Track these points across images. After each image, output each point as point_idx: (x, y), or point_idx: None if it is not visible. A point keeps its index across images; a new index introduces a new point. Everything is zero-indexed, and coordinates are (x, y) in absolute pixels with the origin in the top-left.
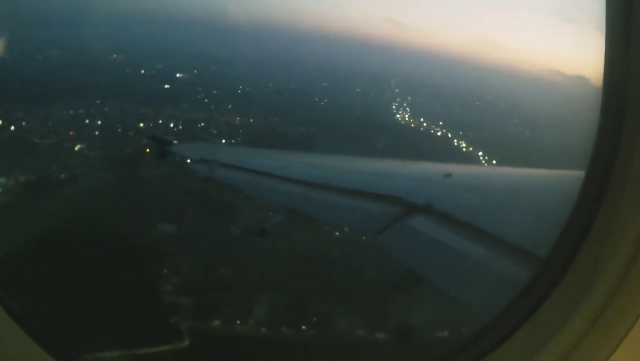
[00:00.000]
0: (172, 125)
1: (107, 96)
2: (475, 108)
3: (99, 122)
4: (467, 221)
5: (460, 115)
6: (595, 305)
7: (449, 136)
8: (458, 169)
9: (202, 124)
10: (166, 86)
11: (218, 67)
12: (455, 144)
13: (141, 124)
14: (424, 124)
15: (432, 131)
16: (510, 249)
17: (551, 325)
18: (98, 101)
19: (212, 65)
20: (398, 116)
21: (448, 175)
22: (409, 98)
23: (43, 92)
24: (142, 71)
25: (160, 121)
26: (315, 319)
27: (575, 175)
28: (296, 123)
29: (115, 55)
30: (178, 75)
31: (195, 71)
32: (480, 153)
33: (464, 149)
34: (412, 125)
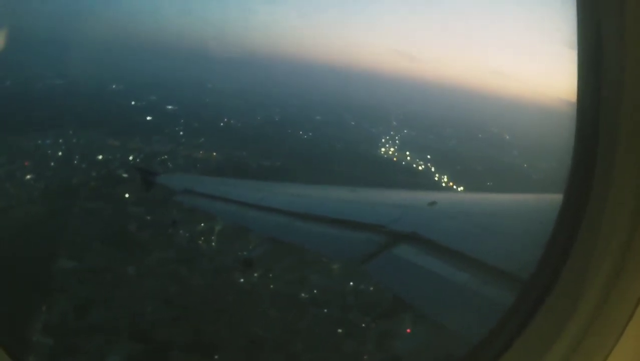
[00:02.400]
0: (130, 158)
1: (84, 127)
2: (476, 140)
3: (60, 153)
4: (453, 247)
5: (455, 148)
6: (579, 326)
7: (432, 170)
8: (442, 197)
9: (164, 157)
10: (148, 118)
11: (213, 99)
12: (436, 178)
13: (100, 156)
14: (408, 158)
15: (414, 165)
16: (496, 274)
17: (536, 347)
18: (71, 132)
19: (208, 97)
20: (383, 149)
21: (432, 203)
22: (405, 131)
23: (25, 120)
24: (133, 102)
25: (118, 155)
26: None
27: (559, 198)
28: (263, 157)
29: (114, 86)
30: (168, 107)
31: (186, 103)
32: (461, 188)
33: (444, 184)
34: (395, 159)
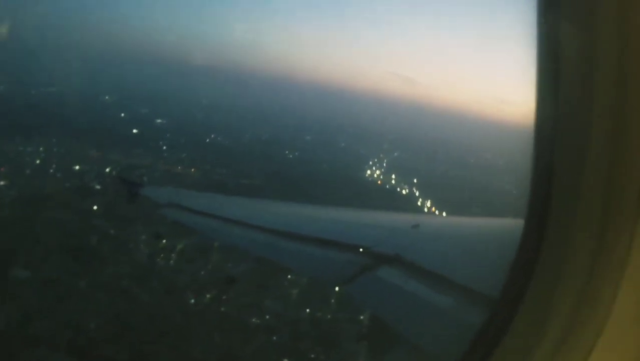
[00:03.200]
0: (107, 170)
1: (69, 136)
2: (467, 165)
3: (38, 161)
4: (435, 270)
5: (445, 173)
6: (549, 343)
7: (416, 195)
8: (425, 219)
9: (142, 170)
10: (134, 131)
11: (206, 114)
12: (419, 203)
13: (77, 167)
14: (392, 182)
15: (398, 189)
16: (478, 298)
17: None
18: (54, 140)
19: (201, 112)
20: (369, 171)
21: (416, 226)
22: (395, 154)
23: (12, 126)
24: (122, 114)
25: (95, 167)
26: None
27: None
28: (243, 175)
29: (107, 97)
30: (158, 120)
31: (176, 117)
32: (444, 213)
33: (426, 208)
34: (379, 182)
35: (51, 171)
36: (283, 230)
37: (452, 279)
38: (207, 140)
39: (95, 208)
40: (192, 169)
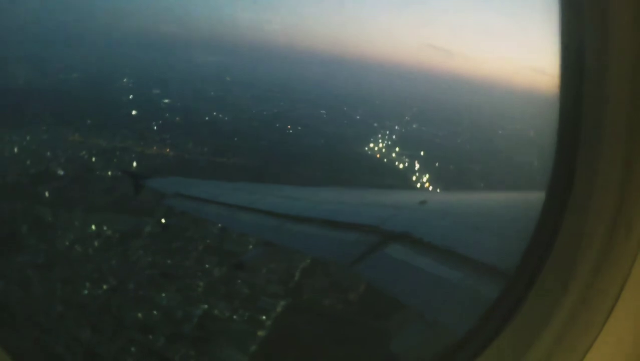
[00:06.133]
0: (81, 153)
1: (64, 121)
2: (494, 137)
3: (16, 149)
4: (444, 246)
5: (461, 145)
6: (562, 319)
7: (415, 168)
8: (433, 196)
9: (117, 153)
10: (133, 112)
11: (223, 92)
12: (414, 178)
13: (48, 153)
14: (393, 155)
15: (396, 163)
16: (488, 271)
17: (519, 341)
18: (44, 127)
19: (218, 90)
20: (372, 145)
21: (423, 202)
22: (414, 126)
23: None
24: (131, 96)
25: (69, 151)
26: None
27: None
28: (224, 154)
29: (125, 80)
30: (165, 100)
31: (186, 96)
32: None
33: (418, 185)
34: (378, 155)
35: (22, 157)
36: (290, 214)
37: (462, 255)
38: (207, 118)
39: (47, 194)
40: (167, 149)
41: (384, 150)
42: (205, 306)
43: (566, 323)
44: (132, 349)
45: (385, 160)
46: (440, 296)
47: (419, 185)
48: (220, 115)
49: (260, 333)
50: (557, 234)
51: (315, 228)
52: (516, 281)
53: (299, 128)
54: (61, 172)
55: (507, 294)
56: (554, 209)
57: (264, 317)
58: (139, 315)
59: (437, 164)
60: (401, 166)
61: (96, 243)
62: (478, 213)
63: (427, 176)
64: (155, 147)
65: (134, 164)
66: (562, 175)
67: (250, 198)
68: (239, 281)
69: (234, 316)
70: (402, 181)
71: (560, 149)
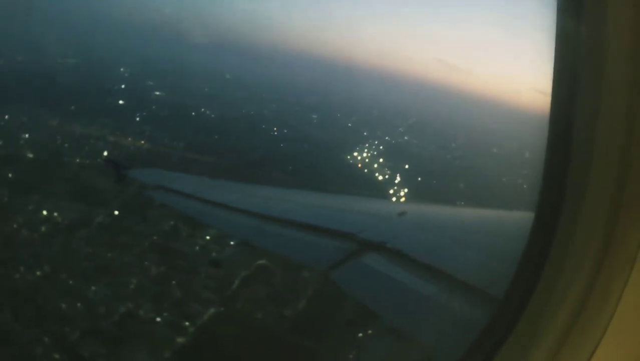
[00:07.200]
0: (56, 138)
1: (46, 106)
2: (487, 154)
3: None
4: (421, 259)
5: (448, 161)
6: (553, 341)
7: (395, 181)
8: (412, 208)
9: (90, 141)
10: (120, 102)
11: (218, 90)
12: (391, 192)
13: (25, 135)
14: (375, 166)
15: (376, 174)
16: (462, 287)
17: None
18: (25, 109)
19: (215, 87)
20: (355, 153)
21: (403, 213)
22: (405, 138)
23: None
24: (123, 86)
25: (44, 135)
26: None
27: (530, 215)
28: (200, 150)
29: (122, 69)
30: (157, 93)
31: (178, 90)
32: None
33: (394, 198)
34: (359, 165)
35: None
36: (270, 215)
37: (437, 269)
38: (193, 113)
39: (9, 175)
40: (142, 142)
41: (366, 160)
42: (130, 305)
43: (558, 346)
44: (45, 339)
45: (365, 170)
46: (411, 309)
47: (394, 199)
48: (207, 112)
49: (179, 339)
50: (548, 255)
51: (294, 231)
52: (508, 299)
53: (285, 131)
54: (30, 156)
55: (499, 316)
56: (544, 226)
57: (187, 323)
58: (63, 305)
59: (419, 179)
60: (380, 177)
61: (43, 229)
62: (457, 228)
63: (406, 190)
64: (130, 138)
65: (105, 153)
66: (552, 191)
67: (231, 197)
68: (174, 282)
69: (157, 319)
70: (378, 192)
71: (550, 166)
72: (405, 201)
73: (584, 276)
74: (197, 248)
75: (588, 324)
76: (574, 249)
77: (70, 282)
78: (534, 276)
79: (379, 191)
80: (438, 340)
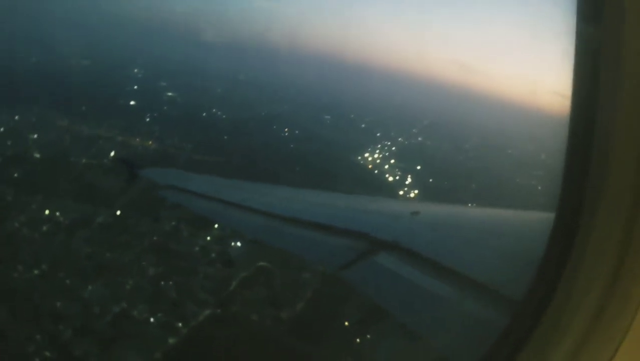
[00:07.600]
0: (64, 139)
1: (57, 107)
2: (501, 156)
3: (2, 128)
4: (434, 259)
5: (461, 162)
6: (573, 344)
7: (406, 182)
8: (426, 207)
9: (99, 141)
10: (132, 103)
11: (229, 90)
12: (401, 192)
13: (34, 135)
14: (386, 167)
15: (386, 175)
16: (476, 288)
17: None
18: (36, 110)
19: (228, 88)
20: (367, 154)
21: (416, 213)
22: (419, 139)
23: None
24: (135, 87)
25: (53, 135)
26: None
27: (546, 216)
28: (209, 151)
29: (136, 70)
30: (169, 93)
31: (192, 92)
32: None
33: (405, 196)
34: (370, 166)
35: (5, 137)
36: (282, 214)
37: (450, 269)
38: (204, 114)
39: (16, 175)
40: (150, 142)
41: (377, 161)
42: (125, 305)
43: (577, 349)
44: (37, 336)
45: (375, 171)
46: (424, 309)
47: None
48: (219, 112)
49: (172, 340)
50: (568, 259)
51: (306, 230)
52: (527, 306)
53: (296, 132)
54: (37, 156)
55: (518, 318)
56: (564, 231)
57: (180, 324)
58: (58, 303)
59: (430, 180)
60: (391, 178)
61: (44, 228)
62: (471, 227)
63: (417, 191)
64: (138, 139)
65: (112, 153)
66: (572, 194)
67: (244, 196)
68: (171, 283)
69: (151, 319)
70: (389, 193)
71: (570, 169)
72: (418, 201)
73: (604, 279)
74: (207, 247)
75: (608, 327)
76: (594, 251)
77: (67, 281)
78: (554, 279)
79: (391, 191)
80: (452, 341)
